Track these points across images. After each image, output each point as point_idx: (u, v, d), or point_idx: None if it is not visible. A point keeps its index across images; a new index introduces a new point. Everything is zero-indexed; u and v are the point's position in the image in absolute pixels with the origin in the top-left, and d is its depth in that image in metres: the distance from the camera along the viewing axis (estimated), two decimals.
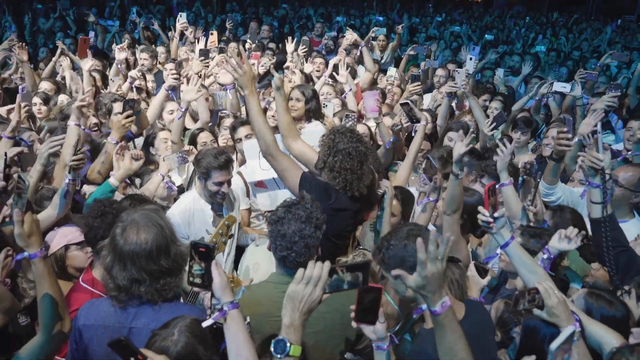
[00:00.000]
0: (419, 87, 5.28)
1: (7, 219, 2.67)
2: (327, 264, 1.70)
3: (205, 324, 1.79)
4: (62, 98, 4.59)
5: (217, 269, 1.80)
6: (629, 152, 4.38)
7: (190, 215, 3.33)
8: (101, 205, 2.60)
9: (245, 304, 2.00)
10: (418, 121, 3.92)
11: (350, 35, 6.75)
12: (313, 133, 3.74)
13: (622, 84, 6.78)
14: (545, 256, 2.65)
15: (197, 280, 1.82)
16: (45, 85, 5.22)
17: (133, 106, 3.82)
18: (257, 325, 2.06)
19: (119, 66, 5.80)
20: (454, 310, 1.85)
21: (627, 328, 2.28)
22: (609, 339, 2.18)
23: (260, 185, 3.72)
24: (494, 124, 4.21)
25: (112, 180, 3.27)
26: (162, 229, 2.06)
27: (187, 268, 1.86)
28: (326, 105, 4.75)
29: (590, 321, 2.23)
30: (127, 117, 3.66)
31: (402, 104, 4.01)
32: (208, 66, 5.60)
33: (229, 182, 3.36)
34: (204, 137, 4.24)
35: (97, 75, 5.44)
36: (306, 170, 2.99)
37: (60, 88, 5.20)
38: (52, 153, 3.06)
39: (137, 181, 3.84)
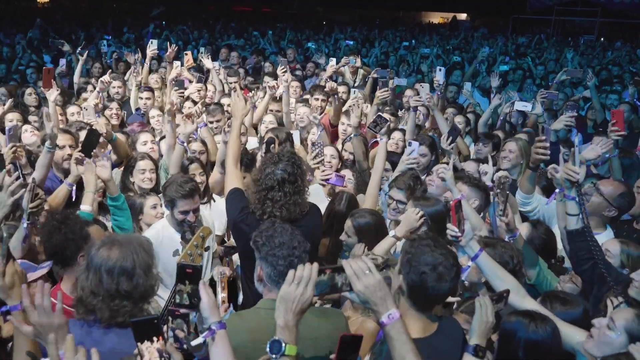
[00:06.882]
0: (387, 92, 5.39)
1: None
2: (315, 265, 1.78)
3: (194, 343, 1.85)
4: (27, 128, 4.53)
5: (205, 289, 1.84)
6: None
7: (159, 241, 3.29)
8: (53, 219, 2.58)
9: (234, 331, 2.01)
10: (376, 131, 3.97)
11: (331, 68, 6.95)
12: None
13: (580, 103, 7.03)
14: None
15: (185, 302, 1.85)
16: (10, 117, 5.12)
17: (99, 136, 3.77)
18: (246, 353, 2.04)
19: (101, 94, 5.77)
20: (406, 322, 1.87)
21: None
22: (573, 333, 2.33)
23: None
24: (451, 137, 4.30)
25: (83, 207, 3.17)
26: (134, 254, 2.10)
27: (174, 289, 1.87)
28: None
29: (561, 324, 2.32)
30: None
31: (379, 115, 4.06)
32: (183, 96, 5.59)
33: (195, 211, 3.32)
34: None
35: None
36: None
37: (26, 119, 5.12)
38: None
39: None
